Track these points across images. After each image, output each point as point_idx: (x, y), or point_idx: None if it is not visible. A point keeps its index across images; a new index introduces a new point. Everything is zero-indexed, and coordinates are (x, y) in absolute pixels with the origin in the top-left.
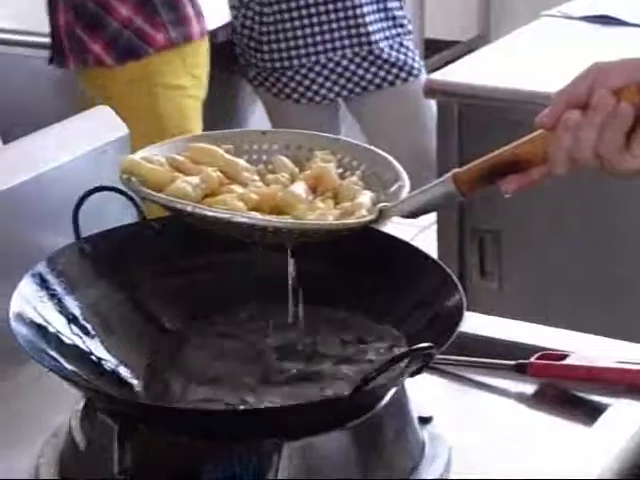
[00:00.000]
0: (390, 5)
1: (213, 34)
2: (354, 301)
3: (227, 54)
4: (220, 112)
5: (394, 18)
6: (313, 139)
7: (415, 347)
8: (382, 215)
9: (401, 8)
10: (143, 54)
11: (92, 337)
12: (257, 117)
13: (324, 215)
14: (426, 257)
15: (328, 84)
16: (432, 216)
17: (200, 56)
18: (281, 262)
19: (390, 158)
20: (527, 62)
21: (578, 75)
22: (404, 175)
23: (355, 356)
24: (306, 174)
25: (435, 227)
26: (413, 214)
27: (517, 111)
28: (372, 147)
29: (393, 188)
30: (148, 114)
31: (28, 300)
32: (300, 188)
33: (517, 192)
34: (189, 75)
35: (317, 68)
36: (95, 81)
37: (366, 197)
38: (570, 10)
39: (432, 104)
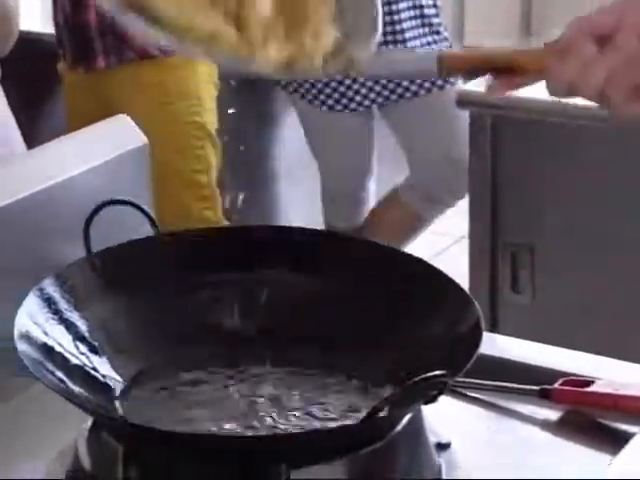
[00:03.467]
0: (427, 12)
1: None
2: (361, 319)
3: None
4: (253, 119)
5: (431, 25)
6: None
7: (429, 375)
8: (350, 66)
9: (437, 15)
10: None
11: (100, 355)
12: (290, 124)
13: (271, 59)
14: (447, 278)
15: (364, 91)
16: (466, 228)
17: None
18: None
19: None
20: None
21: (608, 5)
22: (380, 24)
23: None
24: None
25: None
26: (381, 76)
27: (550, 123)
28: None
29: (368, 39)
30: (189, 97)
31: (34, 318)
32: (267, 5)
33: (500, 95)
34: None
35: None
36: (131, 75)
37: (329, 39)
38: None
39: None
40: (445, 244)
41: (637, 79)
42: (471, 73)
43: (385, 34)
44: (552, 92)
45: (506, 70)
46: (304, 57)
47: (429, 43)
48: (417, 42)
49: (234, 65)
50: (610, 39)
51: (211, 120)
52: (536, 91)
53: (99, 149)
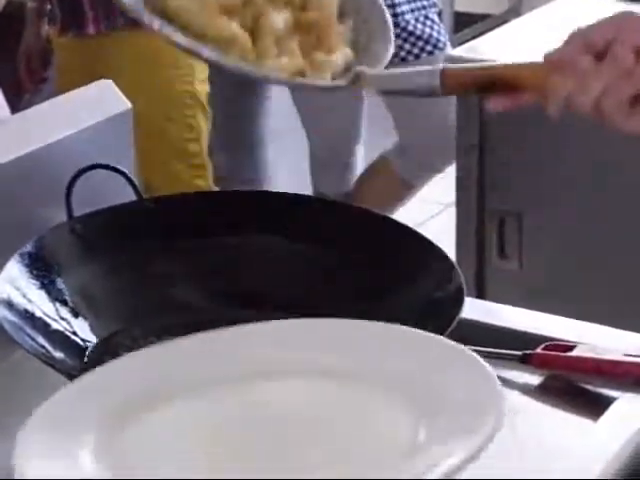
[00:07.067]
0: None
1: None
2: (346, 284)
3: None
4: (240, 85)
5: None
6: None
7: None
8: (357, 81)
9: None
10: None
11: (80, 320)
12: (277, 90)
13: (281, 68)
14: (429, 244)
15: None
16: (453, 195)
17: None
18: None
19: (388, 18)
20: (552, 39)
21: (602, 19)
22: (392, 44)
23: None
24: (304, 15)
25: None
26: (387, 93)
27: None
28: None
29: (379, 58)
30: (181, 65)
31: (14, 283)
32: (280, 21)
33: (500, 111)
34: None
35: None
36: (123, 41)
37: (341, 56)
38: None
39: None
40: (433, 211)
41: (632, 92)
42: (474, 88)
43: None
44: (550, 107)
45: (508, 86)
46: (314, 71)
47: (418, 9)
48: (406, 7)
49: (244, 72)
50: (606, 53)
51: (203, 89)
52: (527, 56)
53: (82, 114)
